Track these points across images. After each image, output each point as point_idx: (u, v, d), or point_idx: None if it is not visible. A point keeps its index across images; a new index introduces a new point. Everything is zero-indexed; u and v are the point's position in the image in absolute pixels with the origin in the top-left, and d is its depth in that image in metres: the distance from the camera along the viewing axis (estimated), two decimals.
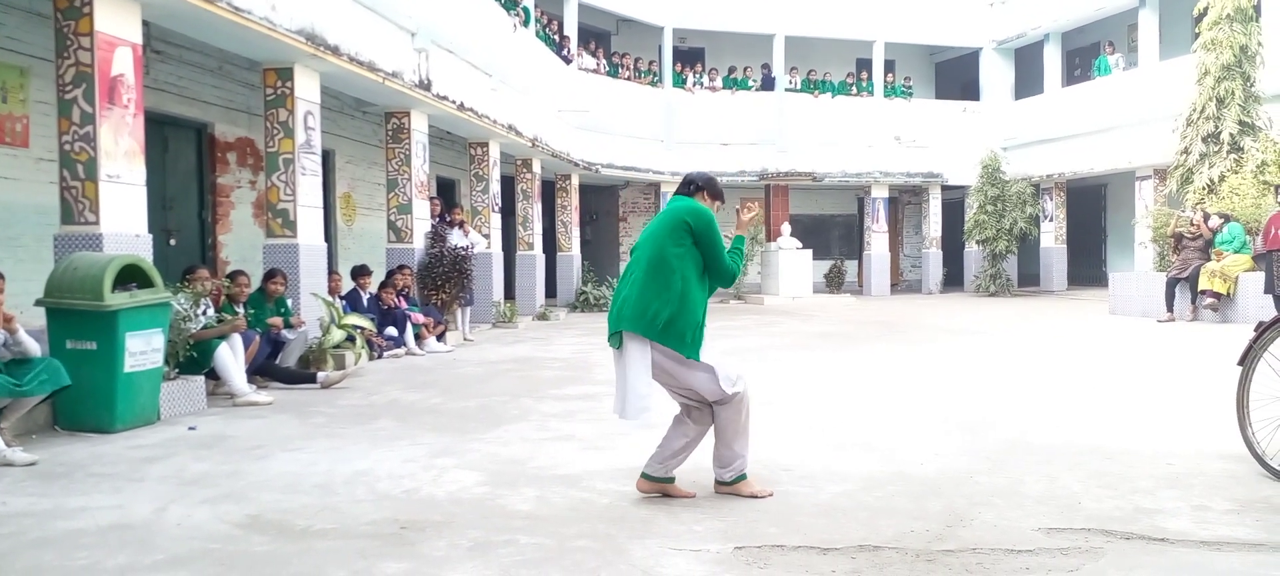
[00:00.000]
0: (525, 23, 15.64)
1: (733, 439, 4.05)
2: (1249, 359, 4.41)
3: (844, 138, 22.83)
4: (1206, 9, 15.59)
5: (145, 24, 7.07)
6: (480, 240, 13.01)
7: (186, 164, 10.17)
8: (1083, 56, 23.52)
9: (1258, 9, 15.67)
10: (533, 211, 16.54)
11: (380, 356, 9.47)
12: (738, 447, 4.06)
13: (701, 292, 4.00)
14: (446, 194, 15.94)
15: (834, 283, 22.65)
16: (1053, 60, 22.63)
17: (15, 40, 7.61)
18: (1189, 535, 3.48)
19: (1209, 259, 12.96)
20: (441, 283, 11.45)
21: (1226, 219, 13.05)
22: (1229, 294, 12.51)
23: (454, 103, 12.00)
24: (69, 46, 6.32)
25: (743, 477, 4.09)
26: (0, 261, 5.98)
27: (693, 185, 4.20)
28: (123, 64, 6.54)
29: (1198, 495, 4.01)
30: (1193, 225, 13.45)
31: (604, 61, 21.10)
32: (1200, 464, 4.57)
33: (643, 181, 22.58)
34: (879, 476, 4.39)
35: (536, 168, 16.77)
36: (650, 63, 22.55)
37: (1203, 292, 12.75)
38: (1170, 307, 13.29)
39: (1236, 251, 12.65)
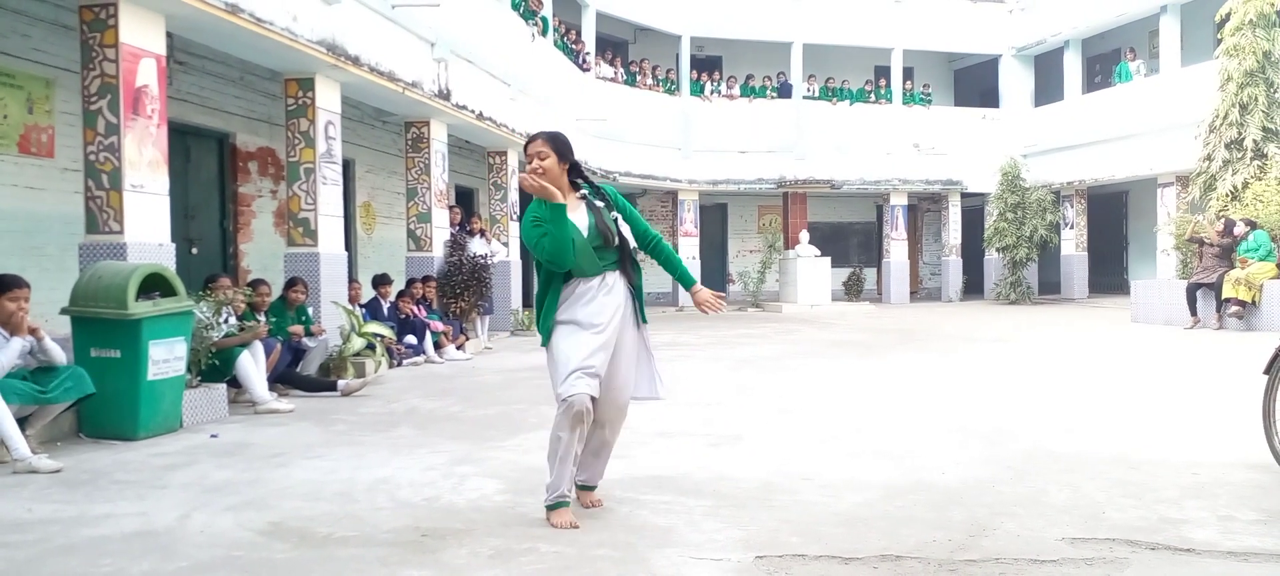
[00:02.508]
0: (543, 32, 15.71)
1: (551, 454, 3.77)
2: (1275, 367, 4.36)
3: (862, 145, 22.78)
4: (1229, 15, 15.47)
5: (169, 35, 7.15)
6: (500, 249, 13.06)
7: (208, 173, 10.26)
8: (1103, 63, 23.36)
9: None
10: None
11: (400, 364, 9.51)
12: (552, 468, 3.75)
13: (546, 272, 3.88)
14: (465, 203, 16.00)
15: (853, 290, 22.58)
16: (1073, 67, 22.49)
17: (41, 51, 7.70)
18: (1215, 545, 3.44)
19: (1231, 265, 12.83)
20: (460, 291, 11.49)
21: (1252, 226, 12.89)
22: (1254, 302, 12.37)
23: (473, 112, 12.06)
24: (94, 58, 6.39)
25: (554, 507, 3.75)
26: (26, 270, 6.04)
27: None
28: (147, 75, 6.62)
29: (1224, 505, 3.97)
30: (1216, 232, 13.35)
31: (622, 70, 21.15)
32: (1226, 474, 4.52)
33: (660, 189, 22.60)
34: (900, 485, 4.36)
35: None
36: (668, 71, 22.58)
37: (1227, 300, 12.62)
38: (1193, 311, 13.17)
39: (1262, 260, 12.48)
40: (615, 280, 3.84)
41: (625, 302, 3.85)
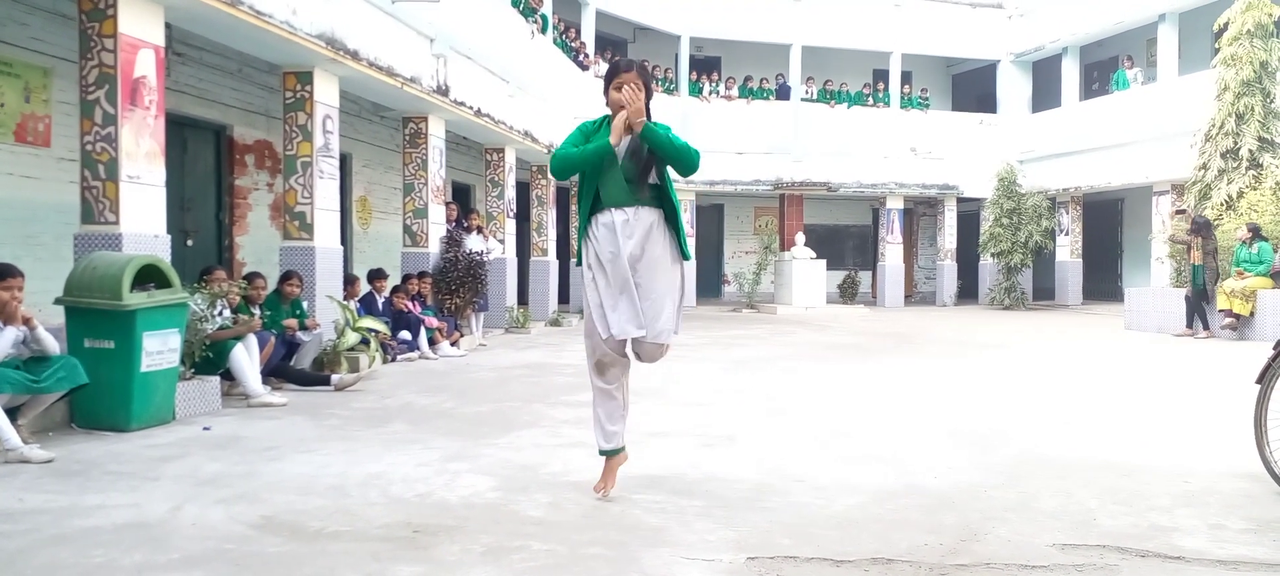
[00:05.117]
0: (543, 30, 15.70)
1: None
2: (1268, 377, 4.37)
3: (859, 148, 22.80)
4: (1227, 24, 15.52)
5: (167, 26, 7.14)
6: (495, 245, 13.05)
7: (205, 165, 10.24)
8: (1101, 70, 23.42)
9: (1279, 25, 15.57)
10: (547, 217, 16.58)
11: (394, 360, 9.50)
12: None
13: (582, 197, 4.09)
14: (462, 199, 16.00)
15: (848, 293, 22.61)
16: (1071, 74, 22.55)
17: (39, 41, 7.69)
18: (1205, 554, 3.46)
19: (1202, 259, 12.89)
20: (456, 287, 11.48)
21: (1256, 233, 12.76)
22: (1251, 313, 12.35)
23: (471, 108, 12.05)
24: (92, 48, 6.38)
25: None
26: (20, 259, 6.03)
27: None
28: (145, 66, 6.60)
29: (1214, 514, 3.98)
30: (1175, 224, 13.47)
31: None
32: (1217, 482, 4.53)
33: None
34: (892, 489, 4.38)
35: None
36: (666, 71, 22.57)
37: (1221, 312, 12.63)
38: (1190, 324, 13.21)
39: (1261, 275, 12.42)
40: (644, 215, 4.00)
41: (652, 238, 3.99)
